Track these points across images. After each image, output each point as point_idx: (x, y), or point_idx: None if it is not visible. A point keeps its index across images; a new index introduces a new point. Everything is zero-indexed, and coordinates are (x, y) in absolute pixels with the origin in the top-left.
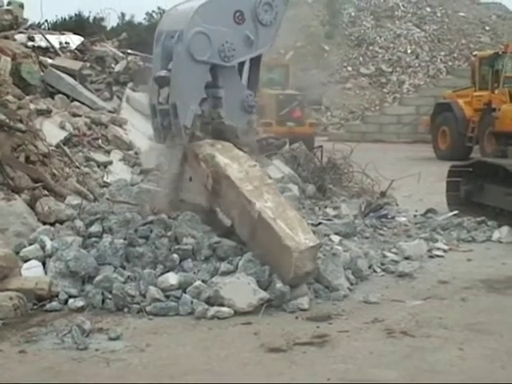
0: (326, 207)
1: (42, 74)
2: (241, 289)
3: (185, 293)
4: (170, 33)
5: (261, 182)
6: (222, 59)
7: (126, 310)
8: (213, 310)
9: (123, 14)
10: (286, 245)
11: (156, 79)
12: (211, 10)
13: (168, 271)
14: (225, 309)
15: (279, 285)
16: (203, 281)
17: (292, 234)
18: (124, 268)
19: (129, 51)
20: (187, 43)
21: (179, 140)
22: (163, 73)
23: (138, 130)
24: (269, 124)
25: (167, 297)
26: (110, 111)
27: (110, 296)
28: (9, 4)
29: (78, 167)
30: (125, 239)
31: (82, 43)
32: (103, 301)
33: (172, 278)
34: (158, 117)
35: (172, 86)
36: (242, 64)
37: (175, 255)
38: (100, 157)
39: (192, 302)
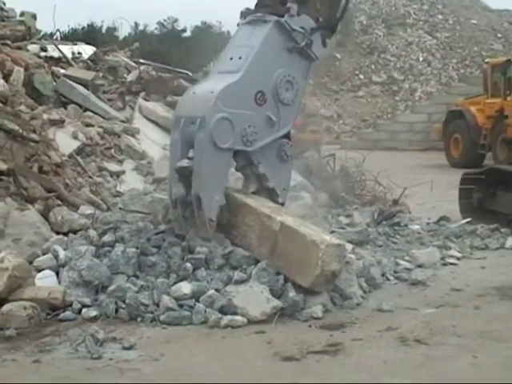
0: (338, 215)
1: (54, 84)
2: (254, 297)
3: (198, 302)
4: (190, 119)
5: (278, 209)
6: (245, 144)
7: (139, 319)
8: (226, 319)
9: (136, 24)
10: (312, 240)
11: (178, 170)
12: (232, 94)
13: (181, 280)
14: (238, 317)
15: (292, 293)
16: (216, 290)
17: (317, 234)
18: (137, 277)
19: (141, 61)
20: (210, 130)
21: (204, 233)
22: (185, 163)
23: (151, 140)
24: None
25: (180, 306)
26: (122, 121)
27: (123, 305)
28: (22, 15)
29: (90, 177)
30: (137, 248)
31: (95, 53)
32: (116, 310)
33: (185, 287)
34: (178, 207)
35: (195, 177)
36: None
37: (188, 264)
38: (113, 166)
39: (205, 311)
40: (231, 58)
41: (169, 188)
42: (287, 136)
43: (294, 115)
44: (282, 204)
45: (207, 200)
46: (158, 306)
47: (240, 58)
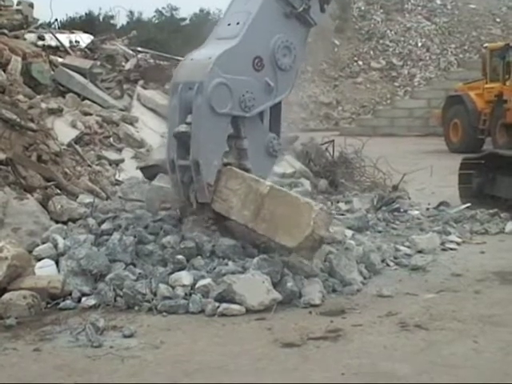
0: (338, 202)
1: (52, 73)
2: (254, 286)
3: (193, 291)
4: (188, 84)
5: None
6: (243, 110)
7: (136, 308)
8: (222, 308)
9: (132, 13)
10: (306, 201)
11: (176, 135)
12: (230, 59)
13: (179, 269)
14: (235, 306)
15: (290, 283)
16: (214, 280)
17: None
18: (135, 265)
19: (139, 49)
20: (208, 96)
21: (202, 198)
22: (183, 128)
23: (150, 128)
24: None
25: (177, 295)
26: (120, 109)
27: (121, 294)
28: (19, 4)
29: (89, 166)
30: (135, 237)
31: (92, 42)
32: (115, 299)
33: (186, 279)
34: (177, 173)
35: (193, 142)
36: None
37: (180, 256)
38: (112, 155)
39: (201, 301)
40: (229, 24)
41: (167, 153)
42: (277, 130)
43: (291, 81)
44: None
45: (206, 165)
46: (155, 294)
47: (238, 23)
